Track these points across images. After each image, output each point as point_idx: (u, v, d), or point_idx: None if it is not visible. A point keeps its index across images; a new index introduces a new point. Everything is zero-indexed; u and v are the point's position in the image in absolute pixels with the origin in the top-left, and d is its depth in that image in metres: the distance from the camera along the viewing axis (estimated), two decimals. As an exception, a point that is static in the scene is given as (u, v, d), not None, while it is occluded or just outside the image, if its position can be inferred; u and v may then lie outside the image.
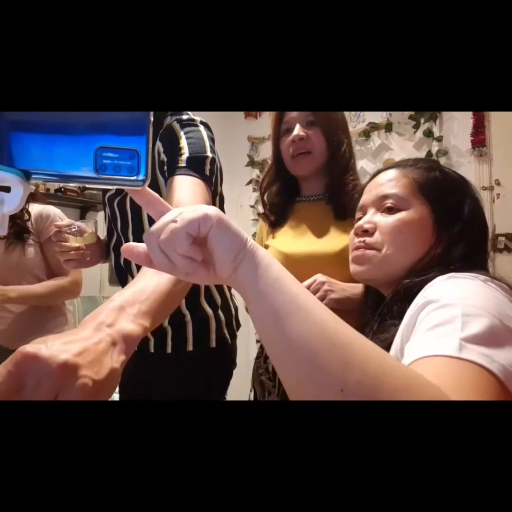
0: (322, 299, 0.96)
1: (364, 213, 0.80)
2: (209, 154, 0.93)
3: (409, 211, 0.74)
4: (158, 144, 1.00)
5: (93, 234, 1.06)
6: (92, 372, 0.40)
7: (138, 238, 1.07)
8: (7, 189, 0.33)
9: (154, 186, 0.99)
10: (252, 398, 1.16)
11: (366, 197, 0.80)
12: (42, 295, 1.42)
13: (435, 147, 2.41)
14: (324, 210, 1.12)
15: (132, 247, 0.46)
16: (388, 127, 2.60)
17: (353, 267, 0.78)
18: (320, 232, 1.10)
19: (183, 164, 0.90)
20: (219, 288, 1.14)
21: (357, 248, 0.77)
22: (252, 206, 3.30)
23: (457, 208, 0.74)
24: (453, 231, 0.72)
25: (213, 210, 0.42)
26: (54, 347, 0.39)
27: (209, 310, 1.10)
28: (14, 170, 0.33)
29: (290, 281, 0.43)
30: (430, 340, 0.49)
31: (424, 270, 0.69)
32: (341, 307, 0.95)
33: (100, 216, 2.83)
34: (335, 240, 1.06)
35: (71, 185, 1.49)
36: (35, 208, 1.51)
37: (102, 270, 2.79)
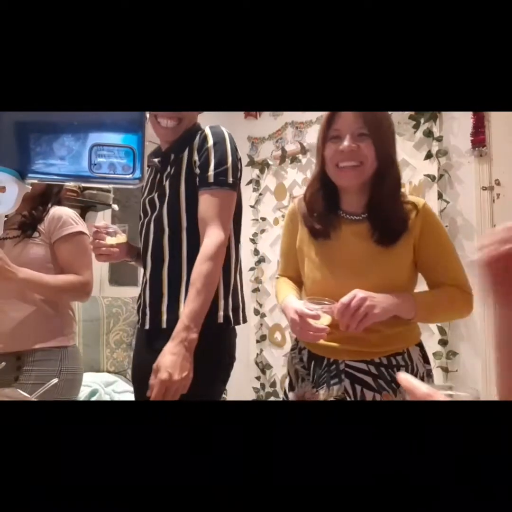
0: (364, 316, 0.98)
1: None
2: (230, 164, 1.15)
3: None
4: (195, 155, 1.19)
5: (125, 236, 1.27)
6: None
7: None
8: (2, 189, 0.33)
9: (193, 193, 1.17)
10: (287, 385, 1.24)
11: None
12: (48, 285, 1.39)
13: (435, 147, 2.41)
14: (366, 234, 1.09)
15: None
16: (388, 127, 2.60)
17: None
18: (360, 264, 1.09)
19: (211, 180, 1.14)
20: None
21: None
22: (252, 206, 3.30)
23: None
24: None
25: None
26: None
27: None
28: (9, 169, 0.33)
29: None
30: None
31: None
32: (379, 319, 1.01)
33: (99, 215, 2.82)
34: (373, 276, 1.06)
35: (70, 185, 1.48)
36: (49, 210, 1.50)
37: (102, 270, 2.79)
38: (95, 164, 0.35)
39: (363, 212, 1.11)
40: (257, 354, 3.21)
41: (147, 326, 1.22)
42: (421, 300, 1.07)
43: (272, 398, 3.08)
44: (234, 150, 1.18)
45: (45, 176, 0.35)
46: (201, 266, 1.09)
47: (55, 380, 1.42)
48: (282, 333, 3.10)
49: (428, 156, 2.41)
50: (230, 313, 1.22)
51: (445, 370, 2.29)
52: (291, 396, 1.20)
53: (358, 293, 0.99)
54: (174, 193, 1.19)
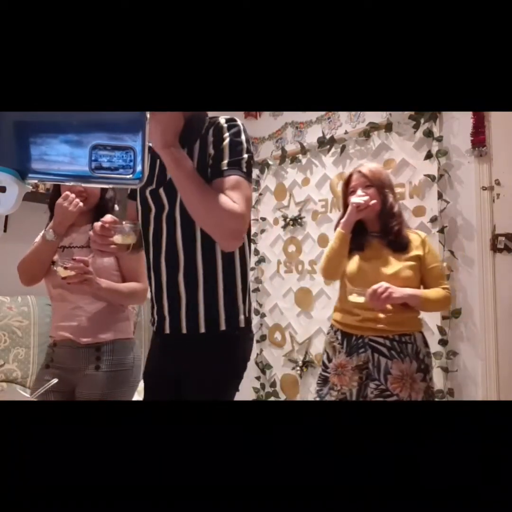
0: (388, 296, 1.54)
1: None
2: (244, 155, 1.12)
3: None
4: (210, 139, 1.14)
5: (134, 237, 1.17)
6: None
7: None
8: (2, 189, 0.33)
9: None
10: (325, 359, 1.78)
11: None
12: (122, 292, 1.60)
13: (435, 147, 2.41)
14: (382, 243, 1.73)
15: None
16: (388, 127, 2.60)
17: None
18: (379, 260, 1.70)
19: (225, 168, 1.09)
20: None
21: None
22: (252, 206, 3.30)
23: None
24: None
25: None
26: None
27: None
28: (9, 169, 0.33)
29: None
30: None
31: None
32: (398, 302, 1.58)
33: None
34: (390, 267, 1.68)
35: (68, 184, 1.50)
36: None
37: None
38: (95, 164, 0.35)
39: (378, 231, 1.75)
40: (257, 354, 3.21)
41: (167, 331, 1.20)
42: (424, 294, 1.64)
43: (272, 398, 3.08)
44: (249, 142, 1.15)
45: (45, 176, 0.35)
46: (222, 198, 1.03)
47: (55, 380, 1.43)
48: (282, 333, 3.10)
49: (428, 156, 2.41)
50: (248, 315, 1.22)
51: (445, 370, 2.29)
52: (331, 366, 1.73)
53: (383, 284, 1.57)
54: None
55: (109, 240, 1.12)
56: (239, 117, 3.59)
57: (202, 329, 1.15)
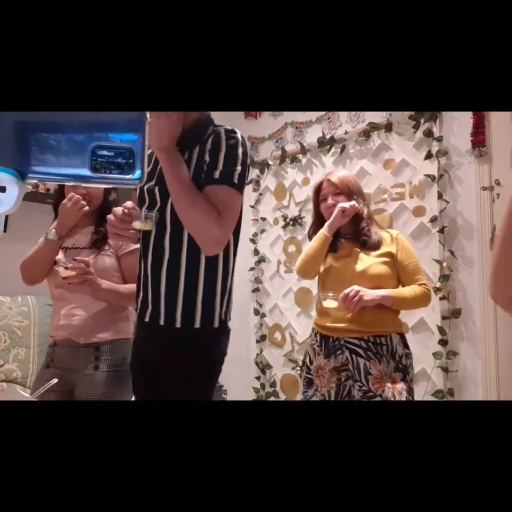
0: (358, 300, 1.60)
1: None
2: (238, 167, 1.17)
3: None
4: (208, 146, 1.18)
5: (151, 224, 1.20)
6: None
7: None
8: (2, 189, 0.33)
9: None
10: (307, 361, 1.83)
11: None
12: (122, 293, 1.61)
13: (435, 147, 2.41)
14: (353, 244, 1.80)
15: None
16: (388, 127, 2.60)
17: None
18: (351, 258, 1.76)
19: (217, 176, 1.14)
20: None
21: None
22: (252, 206, 3.30)
23: None
24: None
25: None
26: None
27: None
28: (9, 169, 0.33)
29: None
30: None
31: None
32: (370, 304, 1.62)
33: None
34: (360, 263, 1.73)
35: (68, 185, 1.50)
36: None
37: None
38: (95, 164, 0.35)
39: (350, 233, 1.83)
40: (257, 354, 3.21)
41: (147, 319, 1.25)
42: (397, 293, 1.68)
43: (272, 398, 3.08)
44: (245, 155, 1.19)
45: (45, 176, 0.35)
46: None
47: (55, 380, 1.43)
48: (282, 333, 3.10)
49: (428, 156, 2.41)
50: (224, 317, 1.26)
51: (445, 370, 2.29)
52: (312, 368, 1.77)
53: (355, 287, 1.63)
54: None
55: (129, 225, 1.17)
56: (239, 117, 3.57)
57: (178, 324, 1.20)
